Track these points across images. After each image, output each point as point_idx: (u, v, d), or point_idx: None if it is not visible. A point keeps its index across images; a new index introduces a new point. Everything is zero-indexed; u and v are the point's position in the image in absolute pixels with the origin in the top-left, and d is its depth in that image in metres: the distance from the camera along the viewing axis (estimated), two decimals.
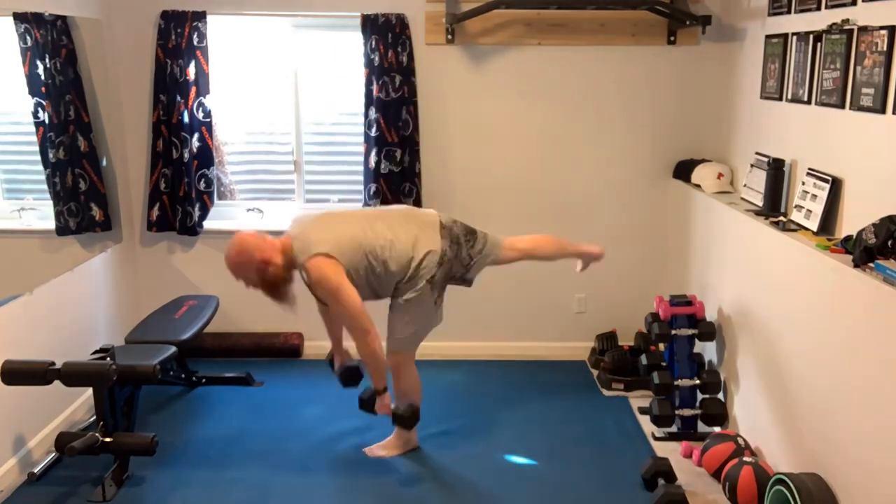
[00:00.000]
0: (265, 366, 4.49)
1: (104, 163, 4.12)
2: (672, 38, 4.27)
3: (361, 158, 4.39)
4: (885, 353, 2.33)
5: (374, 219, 3.31)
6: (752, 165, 3.72)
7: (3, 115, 3.89)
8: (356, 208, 4.33)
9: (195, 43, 4.22)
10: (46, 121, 3.80)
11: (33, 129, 3.79)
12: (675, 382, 3.63)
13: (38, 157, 3.83)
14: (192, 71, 4.23)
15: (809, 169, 3.18)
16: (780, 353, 3.08)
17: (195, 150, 4.34)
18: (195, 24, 4.19)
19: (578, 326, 4.63)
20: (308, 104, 4.50)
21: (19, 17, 3.61)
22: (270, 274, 3.15)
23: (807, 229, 3.07)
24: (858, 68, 2.82)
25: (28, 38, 3.65)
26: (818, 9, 3.14)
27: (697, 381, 3.63)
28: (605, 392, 4.18)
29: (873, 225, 2.50)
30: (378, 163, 4.30)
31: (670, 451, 3.50)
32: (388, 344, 3.40)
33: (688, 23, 4.04)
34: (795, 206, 3.21)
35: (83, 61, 3.95)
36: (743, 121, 3.97)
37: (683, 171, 4.31)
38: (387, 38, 4.19)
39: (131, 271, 4.50)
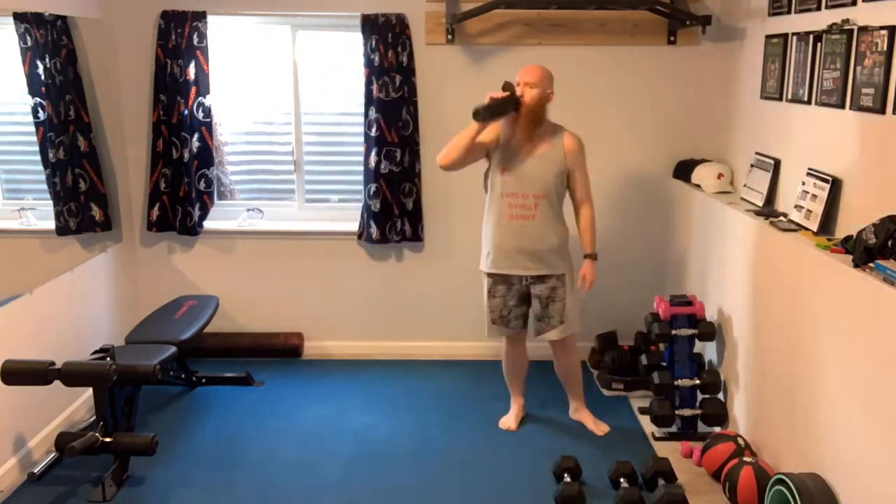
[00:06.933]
0: (265, 366, 4.49)
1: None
2: (672, 38, 4.27)
3: (361, 158, 4.39)
4: (885, 353, 2.33)
5: None
6: (752, 165, 3.72)
7: (4, 115, 3.89)
8: None
9: (195, 43, 4.22)
10: (46, 121, 3.80)
11: (33, 129, 3.79)
12: (675, 382, 3.63)
13: (38, 157, 3.83)
14: (192, 71, 4.23)
15: (809, 169, 3.18)
16: (780, 353, 3.08)
17: (195, 150, 4.34)
18: (195, 24, 4.19)
19: None
20: (308, 104, 4.50)
21: (19, 17, 3.61)
22: (543, 102, 3.48)
23: (807, 229, 3.07)
24: (858, 68, 2.82)
25: (28, 38, 3.65)
26: (818, 9, 3.14)
27: (697, 381, 3.63)
28: (605, 392, 4.18)
29: (873, 225, 2.50)
30: (378, 163, 4.30)
31: (670, 451, 3.50)
32: (562, 329, 3.59)
33: (688, 23, 4.04)
34: (795, 206, 3.21)
35: (83, 61, 3.95)
36: (743, 121, 3.97)
37: (683, 171, 4.31)
38: (387, 38, 4.19)
39: (131, 271, 4.50)
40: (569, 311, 3.55)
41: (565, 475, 3.22)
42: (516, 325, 3.61)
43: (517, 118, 3.41)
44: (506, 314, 3.57)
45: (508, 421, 3.79)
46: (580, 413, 3.84)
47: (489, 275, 3.56)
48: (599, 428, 3.75)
